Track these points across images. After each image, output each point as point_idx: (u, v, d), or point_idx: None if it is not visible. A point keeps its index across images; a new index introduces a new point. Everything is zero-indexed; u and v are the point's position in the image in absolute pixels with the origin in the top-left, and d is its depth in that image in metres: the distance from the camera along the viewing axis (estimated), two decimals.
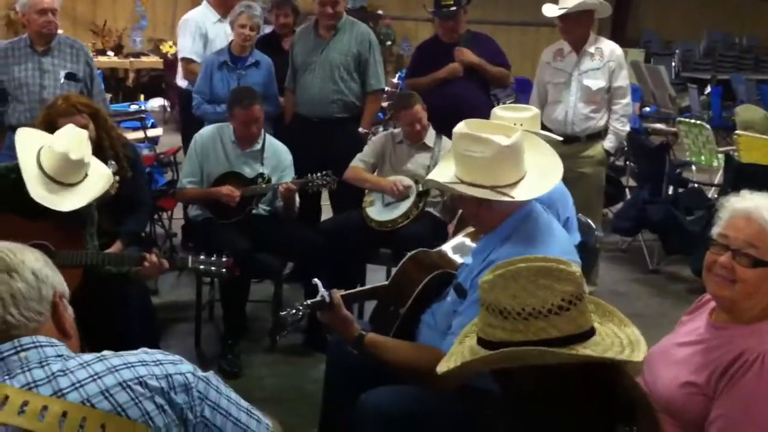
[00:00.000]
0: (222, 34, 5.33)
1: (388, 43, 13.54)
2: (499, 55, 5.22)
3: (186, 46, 5.44)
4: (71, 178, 3.11)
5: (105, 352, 1.47)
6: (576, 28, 5.00)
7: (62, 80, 4.51)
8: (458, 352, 1.76)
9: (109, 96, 9.12)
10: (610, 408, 1.56)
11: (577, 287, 1.57)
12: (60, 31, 4.64)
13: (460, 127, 2.44)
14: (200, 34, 5.39)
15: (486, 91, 5.31)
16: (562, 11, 4.91)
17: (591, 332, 1.59)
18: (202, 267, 3.31)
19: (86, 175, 3.17)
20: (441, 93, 4.87)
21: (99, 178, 3.22)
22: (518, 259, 1.64)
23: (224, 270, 3.29)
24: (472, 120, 2.50)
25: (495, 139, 2.34)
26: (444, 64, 5.09)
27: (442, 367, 1.78)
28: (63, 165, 3.08)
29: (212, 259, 3.30)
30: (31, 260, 1.48)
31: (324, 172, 4.26)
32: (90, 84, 4.66)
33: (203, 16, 5.48)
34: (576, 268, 1.60)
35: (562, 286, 1.55)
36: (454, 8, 5.04)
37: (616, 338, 1.64)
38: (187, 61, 5.44)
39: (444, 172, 2.52)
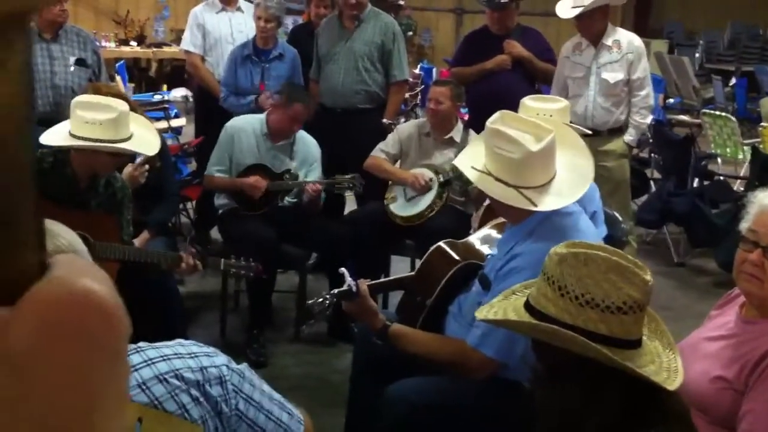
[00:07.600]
0: (224, 25, 5.34)
1: (410, 33, 13.51)
2: (547, 51, 5.19)
3: (186, 37, 5.51)
4: (121, 133, 2.97)
5: (141, 344, 1.45)
6: (592, 25, 4.94)
7: (72, 67, 4.55)
8: (501, 306, 1.75)
9: (131, 86, 9.22)
10: (643, 409, 1.54)
11: (642, 296, 1.54)
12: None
13: (494, 120, 2.39)
14: (197, 24, 5.41)
15: (532, 85, 5.23)
16: (577, 11, 4.85)
17: (637, 343, 1.57)
18: (232, 270, 3.55)
19: (131, 135, 3.05)
20: (487, 84, 4.84)
21: (146, 132, 3.14)
22: (599, 246, 1.61)
23: (251, 274, 3.52)
24: (508, 113, 2.45)
25: (525, 143, 2.28)
26: (492, 55, 5.06)
27: (480, 314, 1.78)
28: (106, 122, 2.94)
29: (242, 263, 3.48)
30: (86, 251, 1.47)
31: (351, 176, 4.28)
32: (98, 71, 4.72)
33: (205, 7, 5.51)
34: (650, 277, 1.56)
35: (628, 289, 1.53)
36: (506, 0, 5.03)
37: (657, 358, 1.61)
38: (186, 53, 5.50)
39: (475, 159, 2.47)
